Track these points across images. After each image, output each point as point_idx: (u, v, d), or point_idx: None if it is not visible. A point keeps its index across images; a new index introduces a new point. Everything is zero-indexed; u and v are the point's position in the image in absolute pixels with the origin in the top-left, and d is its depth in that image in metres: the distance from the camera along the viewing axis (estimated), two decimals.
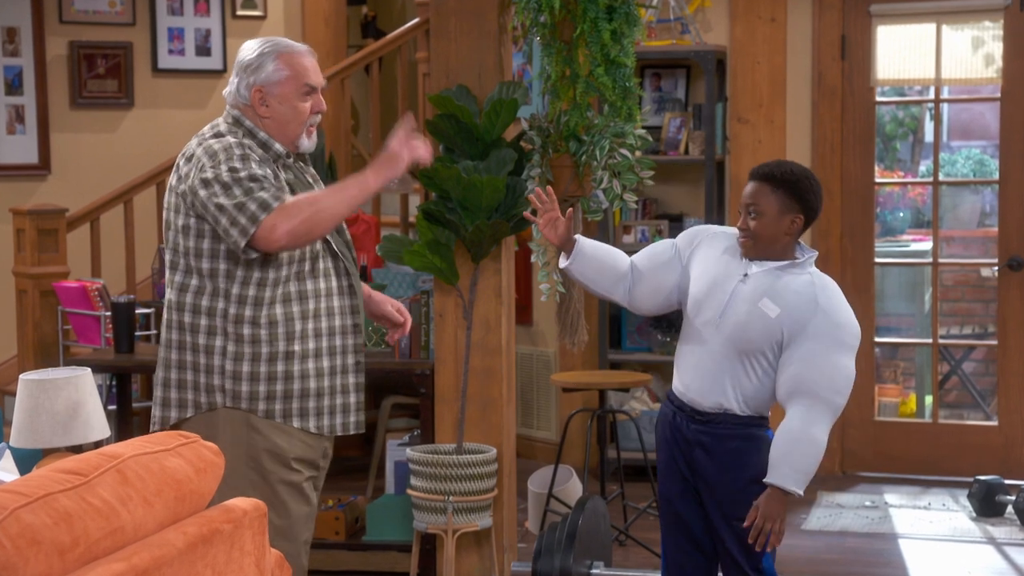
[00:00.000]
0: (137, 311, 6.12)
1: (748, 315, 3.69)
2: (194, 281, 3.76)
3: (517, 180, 4.86)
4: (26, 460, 4.57)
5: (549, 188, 4.06)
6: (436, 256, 4.93)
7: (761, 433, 3.79)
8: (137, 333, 5.98)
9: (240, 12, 8.53)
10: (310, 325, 3.77)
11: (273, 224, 3.59)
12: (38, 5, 7.85)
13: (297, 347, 3.76)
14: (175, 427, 3.83)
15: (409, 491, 4.94)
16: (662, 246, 3.95)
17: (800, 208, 3.73)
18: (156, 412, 3.87)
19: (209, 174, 3.65)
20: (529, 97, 4.99)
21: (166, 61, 8.27)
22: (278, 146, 3.78)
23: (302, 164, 3.94)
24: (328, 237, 3.81)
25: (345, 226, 4.01)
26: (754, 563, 3.80)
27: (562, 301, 4.97)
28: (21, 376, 4.27)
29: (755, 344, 3.70)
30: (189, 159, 3.76)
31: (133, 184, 7.28)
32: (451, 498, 4.82)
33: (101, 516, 2.58)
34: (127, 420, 5.85)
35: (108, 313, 6.27)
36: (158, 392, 3.87)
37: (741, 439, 3.76)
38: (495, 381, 5.07)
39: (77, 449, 4.32)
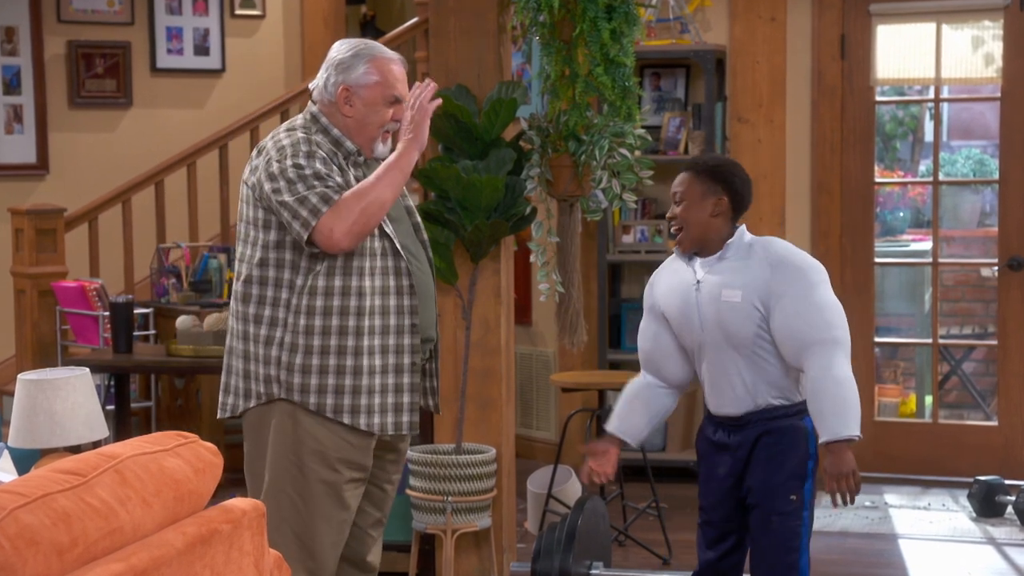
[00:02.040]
0: (135, 311, 6.11)
1: (719, 313, 3.73)
2: (258, 272, 3.81)
3: (516, 180, 4.86)
4: (24, 460, 4.56)
5: (592, 467, 3.99)
6: (435, 256, 4.92)
7: (800, 423, 3.80)
8: (135, 333, 5.98)
9: (239, 11, 8.53)
10: (365, 322, 3.79)
11: (330, 228, 3.66)
12: (36, 4, 7.84)
13: (350, 342, 3.77)
14: (239, 416, 3.89)
15: (408, 491, 4.93)
16: (643, 329, 4.01)
17: (723, 189, 3.79)
18: (220, 397, 3.93)
19: (275, 168, 3.73)
20: (528, 97, 4.99)
21: (164, 60, 8.27)
22: (349, 144, 3.84)
23: (379, 160, 3.98)
24: (392, 236, 3.83)
25: (422, 225, 4.04)
26: (790, 560, 3.78)
27: (561, 301, 4.97)
28: (19, 376, 4.27)
29: (744, 333, 3.72)
30: (260, 152, 3.84)
31: (131, 184, 7.28)
32: (450, 498, 4.81)
33: (100, 516, 2.57)
34: (125, 420, 5.85)
35: (106, 313, 6.26)
36: (223, 377, 3.93)
37: (781, 433, 3.77)
38: (494, 381, 5.06)
39: (75, 449, 4.31)
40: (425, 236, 4.03)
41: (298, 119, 3.90)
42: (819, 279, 3.72)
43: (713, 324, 3.74)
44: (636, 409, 4.01)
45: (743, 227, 3.83)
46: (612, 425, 4.02)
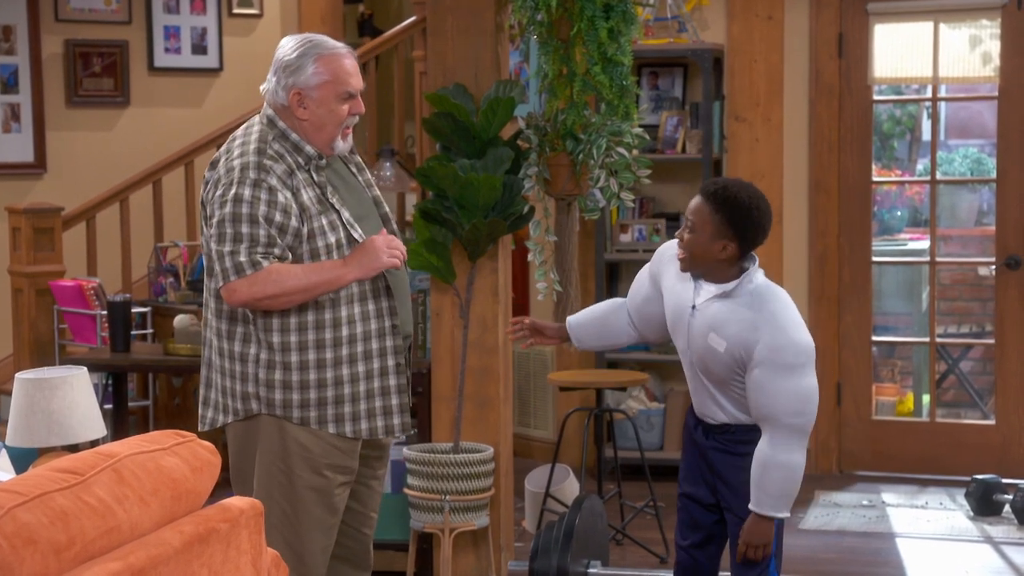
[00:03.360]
0: (133, 310, 6.11)
1: (704, 351, 3.69)
2: None
3: (514, 179, 4.86)
4: (22, 459, 4.56)
5: (511, 323, 4.07)
6: (433, 255, 4.92)
7: None
8: (133, 332, 5.97)
9: (236, 10, 8.52)
10: (343, 331, 3.74)
11: (235, 288, 3.64)
12: (34, 3, 7.84)
13: (329, 354, 3.73)
14: (220, 429, 3.87)
15: (406, 490, 4.94)
16: (639, 281, 3.96)
17: (735, 237, 3.63)
18: (200, 410, 3.91)
19: (216, 201, 3.67)
20: (526, 95, 4.99)
21: (162, 59, 8.26)
22: (309, 148, 3.75)
23: (347, 156, 3.93)
24: (362, 240, 3.76)
25: (390, 216, 3.99)
26: (765, 563, 3.80)
27: (559, 300, 4.97)
28: (17, 375, 4.26)
29: (721, 375, 3.70)
30: (214, 166, 3.76)
31: (129, 183, 7.27)
32: (448, 497, 4.82)
33: (97, 515, 2.57)
34: (123, 419, 5.85)
35: (104, 312, 6.26)
36: (201, 390, 3.90)
37: (754, 444, 3.74)
38: (492, 380, 5.06)
39: (73, 448, 4.31)
40: (395, 227, 3.96)
41: (255, 125, 3.79)
42: (799, 362, 3.59)
43: (696, 352, 3.72)
44: (600, 326, 4.00)
45: (756, 270, 3.68)
46: (573, 322, 4.02)
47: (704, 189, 3.69)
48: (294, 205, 3.68)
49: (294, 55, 3.74)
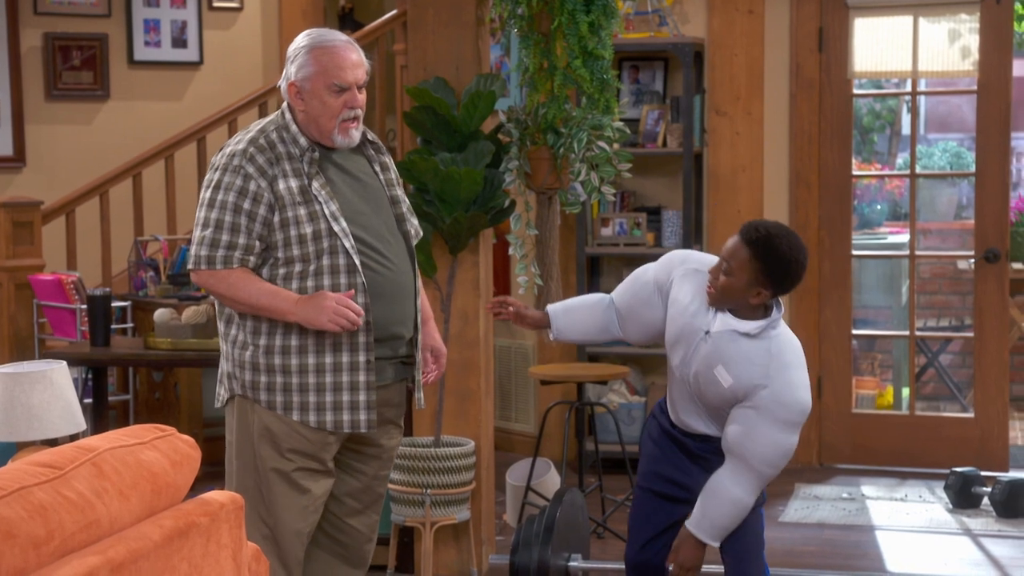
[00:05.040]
0: (113, 304, 6.09)
1: (704, 380, 3.71)
2: None
3: (495, 172, 4.86)
4: (1, 453, 4.55)
5: (494, 300, 4.05)
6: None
7: None
8: (113, 326, 5.96)
9: (216, 4, 8.50)
10: None
11: (197, 273, 3.80)
12: None
13: (294, 341, 3.75)
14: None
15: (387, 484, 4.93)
16: (641, 283, 3.90)
17: (770, 286, 3.65)
18: (217, 388, 3.99)
19: (205, 185, 3.81)
20: (507, 89, 5.00)
21: (142, 53, 8.24)
22: (303, 140, 3.78)
23: (372, 153, 3.93)
24: (342, 234, 3.74)
25: (407, 217, 3.96)
26: (758, 550, 3.89)
27: (540, 294, 4.97)
28: None
29: (713, 403, 3.75)
30: (221, 149, 3.87)
31: (109, 176, 7.25)
32: (429, 491, 4.82)
33: (76, 509, 2.57)
34: (103, 413, 5.83)
35: (84, 306, 6.24)
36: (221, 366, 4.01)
37: None
38: (473, 374, 5.06)
39: (52, 442, 4.30)
40: (408, 228, 3.96)
41: (271, 115, 3.89)
42: (795, 420, 3.66)
43: (695, 375, 3.73)
44: (583, 320, 3.97)
45: (780, 317, 3.71)
46: (555, 312, 4.00)
47: (746, 233, 3.65)
48: (267, 194, 3.72)
49: (293, 48, 3.81)
